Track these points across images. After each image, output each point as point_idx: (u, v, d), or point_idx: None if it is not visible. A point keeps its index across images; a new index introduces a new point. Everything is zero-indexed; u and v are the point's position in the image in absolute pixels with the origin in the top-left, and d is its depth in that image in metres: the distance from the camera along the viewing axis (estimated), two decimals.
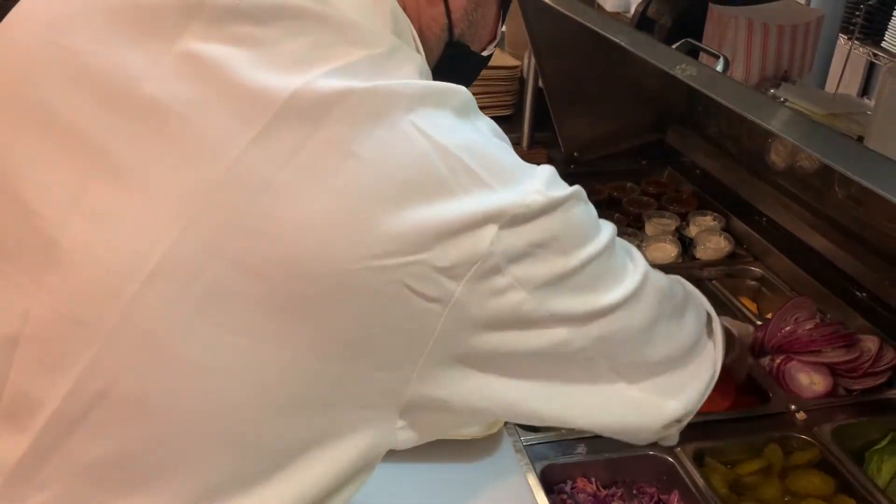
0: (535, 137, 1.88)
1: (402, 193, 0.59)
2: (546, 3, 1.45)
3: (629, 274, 0.72)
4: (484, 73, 2.14)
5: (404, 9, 0.74)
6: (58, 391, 0.59)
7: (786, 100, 1.26)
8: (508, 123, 1.98)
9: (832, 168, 0.78)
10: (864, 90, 3.32)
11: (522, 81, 1.94)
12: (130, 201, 0.59)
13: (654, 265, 1.60)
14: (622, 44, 1.13)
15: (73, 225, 0.60)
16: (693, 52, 1.26)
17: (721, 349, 0.85)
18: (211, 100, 0.60)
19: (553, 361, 0.69)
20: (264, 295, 0.58)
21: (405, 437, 0.68)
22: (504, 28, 2.22)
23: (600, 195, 1.80)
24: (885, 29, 2.99)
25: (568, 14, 1.36)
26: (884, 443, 1.15)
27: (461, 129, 0.64)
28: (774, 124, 0.83)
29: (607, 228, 0.71)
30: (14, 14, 0.70)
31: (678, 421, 0.80)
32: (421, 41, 0.77)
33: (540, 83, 1.78)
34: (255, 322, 0.58)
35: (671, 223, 1.69)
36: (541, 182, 0.63)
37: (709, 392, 0.82)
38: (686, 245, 1.64)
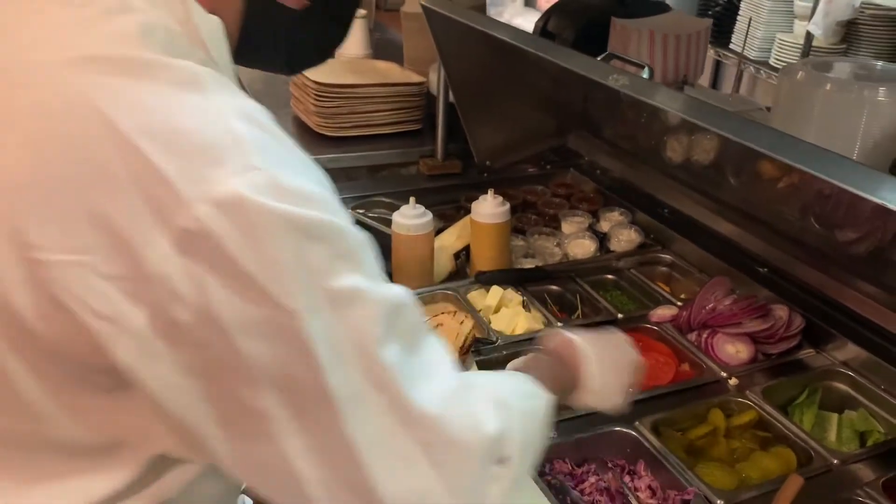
0: (449, 149, 1.96)
1: (68, 181, 0.54)
2: (454, 18, 1.54)
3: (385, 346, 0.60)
4: (391, 89, 2.18)
5: None
6: None
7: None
8: (420, 137, 2.05)
9: (728, 156, 0.91)
10: (714, 85, 3.68)
11: (430, 97, 2.02)
12: None
13: (576, 260, 1.72)
14: (553, 59, 1.23)
15: None
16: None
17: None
18: None
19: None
20: None
21: None
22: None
23: (515, 199, 1.90)
24: (731, 32, 3.30)
25: (482, 29, 1.45)
26: (802, 397, 1.31)
27: (155, 108, 0.56)
28: (723, 127, 0.94)
29: (344, 280, 0.59)
30: None
31: None
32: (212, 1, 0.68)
33: (451, 97, 1.86)
34: None
35: (584, 220, 1.82)
36: (247, 182, 0.54)
37: None
38: (601, 240, 1.77)
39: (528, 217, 1.85)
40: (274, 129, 0.60)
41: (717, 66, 3.69)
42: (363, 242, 0.62)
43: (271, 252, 0.54)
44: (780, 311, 1.39)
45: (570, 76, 1.22)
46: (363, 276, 0.60)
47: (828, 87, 1.16)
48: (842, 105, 1.13)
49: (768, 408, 1.24)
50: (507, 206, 1.59)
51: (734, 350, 1.36)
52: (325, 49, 0.87)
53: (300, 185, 0.57)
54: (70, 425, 0.60)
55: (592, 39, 1.63)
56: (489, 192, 1.58)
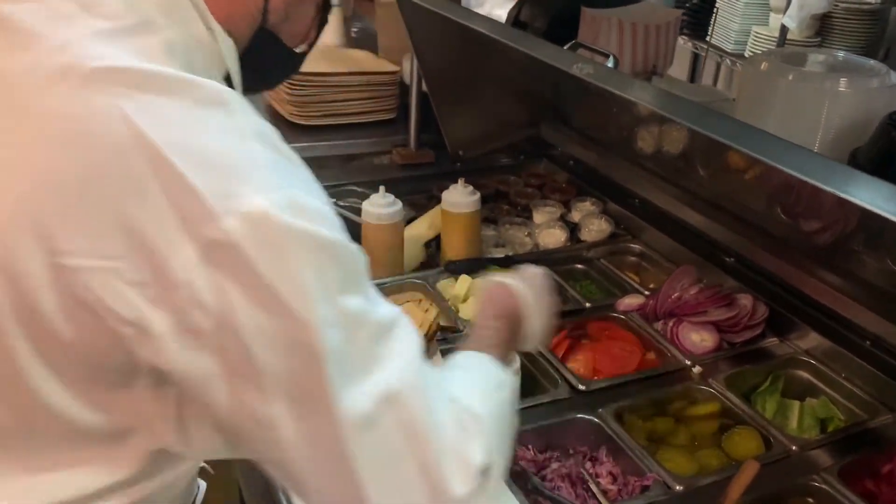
0: (422, 139, 1.96)
1: (96, 188, 0.56)
2: (425, 7, 1.53)
3: (384, 372, 0.63)
4: (364, 78, 2.17)
5: None
6: None
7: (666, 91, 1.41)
8: (394, 126, 2.05)
9: (696, 146, 0.91)
10: (692, 78, 3.69)
11: (404, 86, 2.02)
12: None
13: (546, 249, 1.72)
14: (518, 47, 1.23)
15: None
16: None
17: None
18: None
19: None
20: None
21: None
22: (380, 38, 2.29)
23: (487, 189, 1.90)
24: (709, 25, 3.31)
25: (452, 18, 1.45)
26: (765, 385, 1.32)
27: (183, 124, 0.59)
28: (680, 114, 0.95)
29: (357, 300, 0.62)
30: None
31: None
32: (228, 22, 0.72)
33: (424, 87, 1.86)
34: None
35: (556, 210, 1.83)
36: (271, 201, 0.57)
37: None
38: (572, 229, 1.78)
39: (500, 207, 1.86)
40: (287, 149, 0.64)
41: (696, 58, 3.71)
42: (364, 260, 0.65)
43: (293, 266, 0.57)
44: (745, 300, 1.41)
45: (539, 66, 1.22)
46: (365, 297, 0.64)
47: (790, 77, 1.16)
48: (803, 95, 1.14)
49: (730, 395, 1.25)
50: (478, 195, 1.59)
51: (699, 338, 1.37)
52: (284, 76, 0.94)
53: (315, 204, 0.60)
54: (83, 416, 0.62)
55: (564, 29, 1.63)
56: (459, 181, 1.58)
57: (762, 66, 1.19)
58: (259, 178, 0.58)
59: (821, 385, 1.32)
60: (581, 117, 1.92)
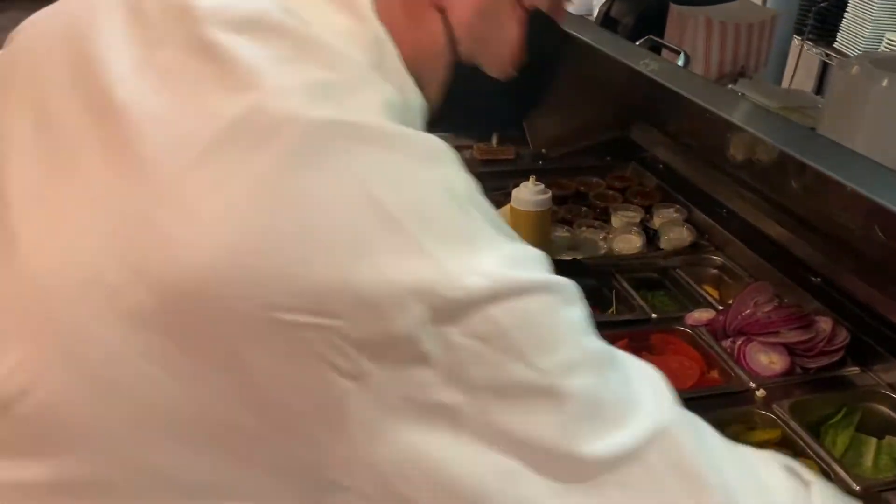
0: (506, 136, 1.93)
1: (321, 245, 0.54)
2: None
3: (636, 415, 0.58)
4: None
5: (392, 32, 0.68)
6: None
7: (743, 94, 1.33)
8: None
9: (787, 158, 0.84)
10: (819, 90, 3.44)
11: None
12: (81, 206, 0.58)
13: (620, 255, 1.66)
14: (588, 41, 1.19)
15: (33, 221, 0.60)
16: (656, 49, 1.32)
17: None
18: (167, 118, 0.58)
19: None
20: (179, 329, 0.55)
21: None
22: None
23: (567, 189, 1.85)
24: (837, 30, 3.10)
25: None
26: (838, 417, 1.22)
27: (408, 183, 0.57)
28: (733, 115, 0.89)
29: (599, 343, 0.60)
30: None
31: None
32: (414, 66, 0.70)
33: None
34: (170, 356, 0.55)
35: (636, 215, 1.75)
36: (498, 259, 0.56)
37: None
38: (650, 236, 1.70)
39: (577, 209, 1.80)
40: (486, 201, 0.63)
41: (825, 67, 3.47)
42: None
43: (537, 320, 0.56)
44: (824, 324, 1.30)
45: (610, 61, 1.17)
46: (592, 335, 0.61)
47: (884, 82, 1.06)
48: None
49: (794, 424, 1.16)
50: (549, 194, 1.55)
51: (767, 360, 1.28)
52: (519, 115, 0.89)
53: (530, 252, 0.60)
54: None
55: (654, 26, 1.57)
56: (531, 178, 1.55)
57: (853, 70, 1.10)
58: (482, 235, 0.57)
59: None
60: (672, 120, 1.83)
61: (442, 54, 0.72)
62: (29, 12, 0.77)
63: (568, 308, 0.59)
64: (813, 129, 1.17)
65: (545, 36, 0.78)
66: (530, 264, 0.58)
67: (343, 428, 0.55)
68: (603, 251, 1.66)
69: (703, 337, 1.36)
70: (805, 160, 0.85)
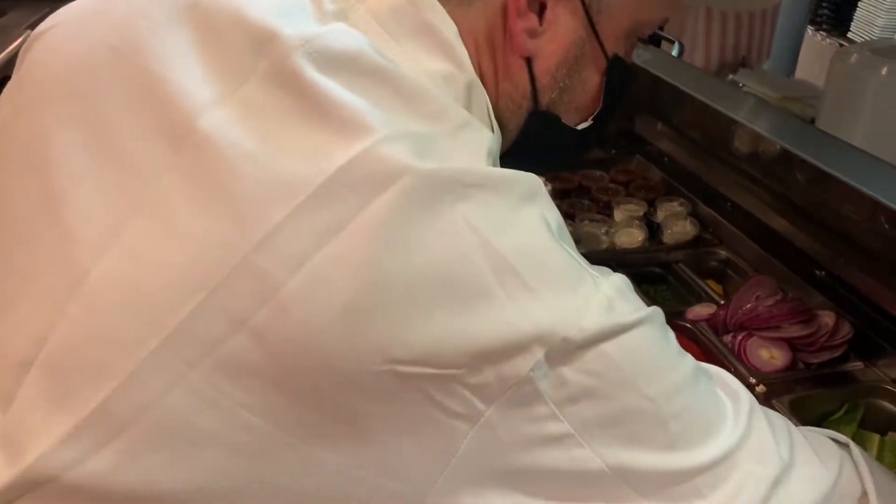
0: None
1: (438, 296, 0.53)
2: None
3: (726, 425, 0.61)
4: None
5: (482, 78, 0.68)
6: (57, 429, 0.55)
7: (743, 84, 1.30)
8: None
9: (785, 152, 0.82)
10: None
11: None
12: (168, 246, 0.56)
13: (622, 249, 1.64)
14: None
15: (108, 259, 0.56)
16: (655, 39, 1.29)
17: None
18: (262, 156, 0.55)
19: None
20: (281, 377, 0.54)
21: None
22: None
23: (570, 184, 1.83)
24: (851, 20, 3.05)
25: None
26: (840, 413, 1.19)
27: (517, 226, 0.57)
28: (728, 106, 0.87)
29: (689, 359, 0.63)
30: (82, 11, 0.67)
31: None
32: (497, 112, 0.70)
33: None
34: (270, 403, 0.54)
35: (639, 209, 1.73)
36: (604, 298, 0.57)
37: None
38: (654, 230, 1.68)
39: (580, 202, 1.78)
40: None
41: None
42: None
43: (644, 351, 0.58)
44: (827, 318, 1.27)
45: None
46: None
47: (884, 70, 1.04)
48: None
49: (794, 421, 1.13)
50: (548, 187, 1.53)
51: (768, 355, 1.25)
52: (581, 155, 0.89)
53: (616, 282, 0.61)
54: None
55: None
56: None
57: (851, 59, 1.07)
58: (583, 273, 0.58)
59: None
60: (676, 112, 1.80)
61: (525, 102, 0.72)
62: (29, 12, 0.74)
63: (664, 334, 0.62)
64: (813, 119, 1.14)
65: (620, 80, 0.77)
66: (629, 295, 0.60)
67: (446, 466, 0.56)
68: (605, 245, 1.64)
69: (704, 332, 1.34)
70: (802, 155, 0.83)
